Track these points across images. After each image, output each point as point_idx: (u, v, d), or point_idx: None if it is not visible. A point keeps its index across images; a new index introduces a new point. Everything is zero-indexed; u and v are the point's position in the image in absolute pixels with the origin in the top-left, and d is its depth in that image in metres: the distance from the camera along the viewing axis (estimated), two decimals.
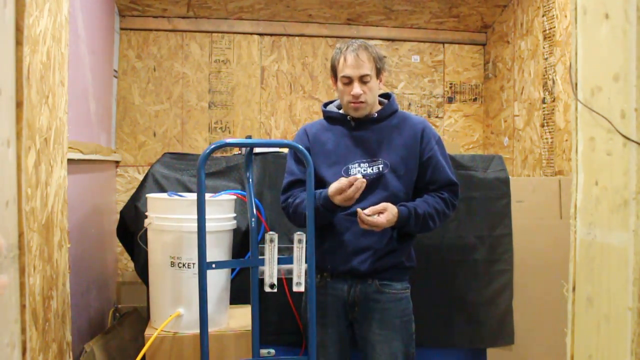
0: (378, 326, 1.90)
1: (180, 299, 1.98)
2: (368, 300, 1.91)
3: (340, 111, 2.02)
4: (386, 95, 2.07)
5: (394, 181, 1.92)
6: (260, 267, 1.78)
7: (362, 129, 1.98)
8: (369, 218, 1.79)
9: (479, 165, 2.65)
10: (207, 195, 1.96)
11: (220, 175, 2.58)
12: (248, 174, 1.93)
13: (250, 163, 1.94)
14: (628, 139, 1.06)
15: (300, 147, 1.81)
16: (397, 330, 1.91)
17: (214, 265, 1.73)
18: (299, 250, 1.77)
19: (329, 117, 2.05)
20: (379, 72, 1.95)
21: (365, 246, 1.90)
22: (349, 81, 1.91)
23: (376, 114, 1.98)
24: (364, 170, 1.92)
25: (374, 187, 1.90)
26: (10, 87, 1.22)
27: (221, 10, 3.79)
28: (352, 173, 1.91)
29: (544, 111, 3.31)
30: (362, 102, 1.91)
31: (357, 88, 1.90)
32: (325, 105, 2.09)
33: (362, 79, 1.90)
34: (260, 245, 1.82)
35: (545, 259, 2.60)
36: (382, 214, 1.81)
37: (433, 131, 2.01)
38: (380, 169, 1.92)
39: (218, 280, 2.03)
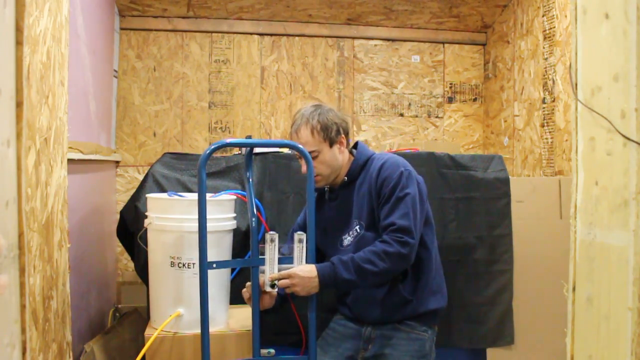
0: None
1: (181, 299, 1.98)
2: (383, 337, 1.88)
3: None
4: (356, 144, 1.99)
5: (372, 236, 1.84)
6: (261, 267, 1.78)
7: (338, 197, 1.95)
8: (281, 273, 1.74)
9: (479, 165, 2.65)
10: (207, 195, 1.96)
11: (220, 175, 2.58)
12: (248, 174, 1.93)
13: (250, 163, 1.94)
14: (628, 139, 1.06)
15: (300, 147, 1.81)
16: None
17: (214, 265, 1.73)
18: (299, 250, 1.77)
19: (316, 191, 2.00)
20: (332, 141, 1.87)
21: (377, 298, 1.87)
22: (299, 157, 1.86)
23: (346, 178, 1.92)
24: (350, 239, 1.89)
25: (359, 250, 1.83)
26: (10, 87, 1.22)
27: (221, 10, 3.79)
28: (345, 244, 1.90)
29: (544, 111, 3.31)
30: (316, 175, 1.86)
31: (303, 166, 1.84)
32: None
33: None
34: (260, 245, 1.82)
35: (545, 259, 2.60)
36: (287, 279, 1.73)
37: (391, 168, 1.84)
38: (358, 231, 1.88)
39: (218, 280, 2.03)
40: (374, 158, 1.93)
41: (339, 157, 1.90)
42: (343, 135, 1.91)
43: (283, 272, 1.74)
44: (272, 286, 1.76)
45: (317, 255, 1.88)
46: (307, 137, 1.86)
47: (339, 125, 1.89)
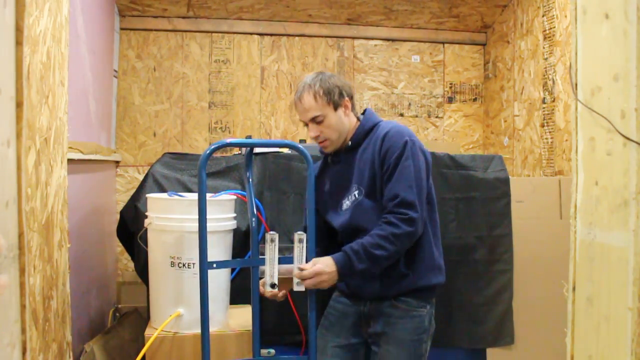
0: (385, 340, 1.84)
1: (181, 299, 1.98)
2: (381, 315, 1.87)
3: None
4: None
5: (370, 204, 1.83)
6: (261, 267, 1.78)
7: (341, 161, 1.94)
8: (304, 273, 1.72)
9: (479, 165, 2.65)
10: (208, 195, 1.96)
11: (220, 175, 2.58)
12: (248, 174, 1.93)
13: (250, 163, 1.94)
14: (628, 139, 1.06)
15: (300, 147, 1.81)
16: (405, 347, 1.83)
17: (215, 265, 1.73)
18: (300, 250, 1.77)
19: (322, 156, 2.02)
20: (336, 104, 1.85)
21: (375, 274, 1.85)
22: (306, 124, 1.88)
23: (350, 142, 1.91)
24: (348, 203, 1.88)
25: (356, 218, 1.83)
26: (10, 87, 1.22)
27: (221, 10, 3.79)
28: (344, 208, 1.88)
29: (544, 111, 3.31)
30: (324, 140, 1.87)
31: (311, 131, 1.85)
32: None
33: (315, 120, 1.84)
34: (260, 245, 1.82)
35: (545, 259, 2.60)
36: (313, 278, 1.72)
37: (395, 137, 1.81)
38: (356, 196, 1.86)
39: (218, 280, 2.03)
40: (380, 125, 1.89)
41: (344, 121, 1.88)
42: (347, 99, 1.88)
43: (305, 272, 1.72)
44: (272, 286, 1.75)
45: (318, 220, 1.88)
46: (310, 102, 1.84)
47: (342, 89, 1.87)
